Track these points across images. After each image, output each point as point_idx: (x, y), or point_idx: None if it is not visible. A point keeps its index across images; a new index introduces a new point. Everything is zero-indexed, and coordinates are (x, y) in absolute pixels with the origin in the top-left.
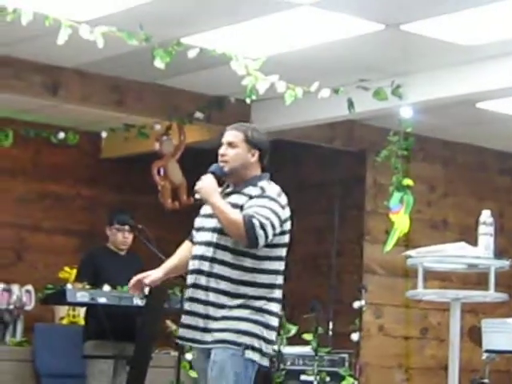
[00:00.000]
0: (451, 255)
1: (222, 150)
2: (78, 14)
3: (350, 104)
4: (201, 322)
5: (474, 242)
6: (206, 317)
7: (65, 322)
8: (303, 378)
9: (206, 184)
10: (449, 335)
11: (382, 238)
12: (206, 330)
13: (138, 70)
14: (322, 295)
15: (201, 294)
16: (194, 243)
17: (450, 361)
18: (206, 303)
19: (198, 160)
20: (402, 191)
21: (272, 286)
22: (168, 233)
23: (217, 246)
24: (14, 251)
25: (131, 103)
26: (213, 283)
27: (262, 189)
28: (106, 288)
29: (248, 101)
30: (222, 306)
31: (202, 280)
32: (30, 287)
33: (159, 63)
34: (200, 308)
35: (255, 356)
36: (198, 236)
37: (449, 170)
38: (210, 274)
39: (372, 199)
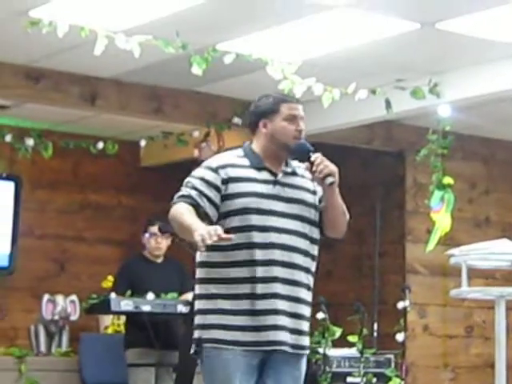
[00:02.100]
0: (495, 252)
1: (303, 125)
2: (113, 24)
3: (388, 104)
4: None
5: None
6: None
7: (109, 331)
8: (349, 380)
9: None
10: (494, 333)
11: (423, 238)
12: None
13: (175, 78)
14: (366, 296)
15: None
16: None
17: (497, 358)
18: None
19: None
20: (443, 190)
21: None
22: None
23: (310, 238)
24: (57, 262)
25: (169, 111)
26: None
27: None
28: (150, 296)
29: None
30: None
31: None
32: (74, 297)
33: (196, 70)
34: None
35: None
36: (270, 221)
37: (489, 168)
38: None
39: (412, 199)
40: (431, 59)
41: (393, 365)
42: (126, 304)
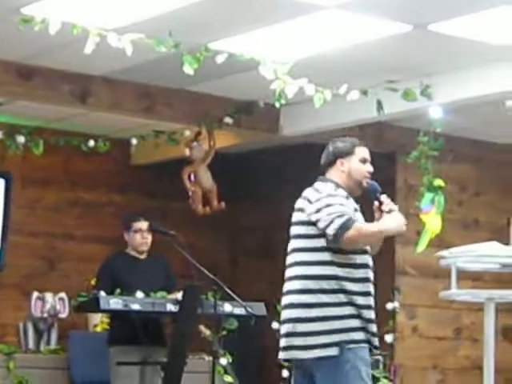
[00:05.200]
0: (485, 255)
1: (372, 168)
2: (105, 22)
3: (379, 105)
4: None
5: (505, 241)
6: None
7: (98, 329)
8: None
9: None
10: (483, 335)
11: (413, 239)
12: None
13: (167, 77)
14: None
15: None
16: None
17: (485, 361)
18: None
19: (228, 165)
20: (433, 192)
21: None
22: (199, 238)
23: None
24: (46, 260)
25: (160, 110)
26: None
27: None
28: (139, 294)
29: (277, 105)
30: None
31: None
32: (63, 295)
33: (188, 69)
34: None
35: None
36: None
37: (479, 170)
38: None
39: (403, 200)
40: (423, 61)
41: (381, 366)
42: (116, 302)
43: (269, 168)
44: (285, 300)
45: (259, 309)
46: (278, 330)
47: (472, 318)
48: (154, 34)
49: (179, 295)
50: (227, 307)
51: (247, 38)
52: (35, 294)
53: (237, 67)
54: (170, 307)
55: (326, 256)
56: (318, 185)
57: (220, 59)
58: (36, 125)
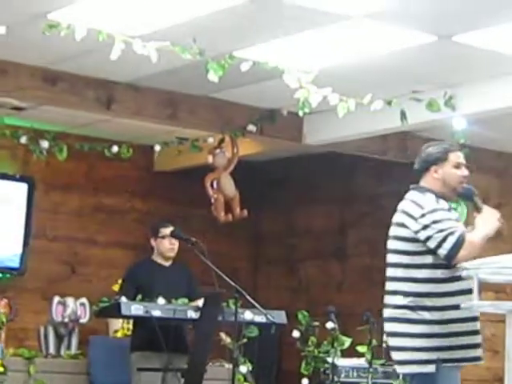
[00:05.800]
0: (507, 267)
1: (467, 172)
2: (131, 29)
3: (403, 115)
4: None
5: None
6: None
7: (119, 334)
8: None
9: None
10: (504, 347)
11: None
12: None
13: (191, 84)
14: (376, 307)
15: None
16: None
17: (506, 373)
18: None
19: (251, 173)
20: (456, 202)
21: None
22: (221, 245)
23: None
24: (68, 265)
25: (184, 116)
26: None
27: None
28: (161, 301)
29: (300, 113)
30: None
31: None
32: (84, 300)
33: (213, 76)
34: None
35: None
36: None
37: (502, 181)
38: None
39: None
40: (447, 72)
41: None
42: (137, 308)
43: (291, 176)
44: (385, 313)
45: (280, 317)
46: (299, 339)
47: (493, 329)
48: (179, 42)
49: (200, 302)
50: (248, 315)
51: (272, 46)
52: (56, 299)
53: (261, 75)
54: (191, 314)
55: (432, 273)
56: (416, 197)
57: (245, 67)
58: (60, 130)
